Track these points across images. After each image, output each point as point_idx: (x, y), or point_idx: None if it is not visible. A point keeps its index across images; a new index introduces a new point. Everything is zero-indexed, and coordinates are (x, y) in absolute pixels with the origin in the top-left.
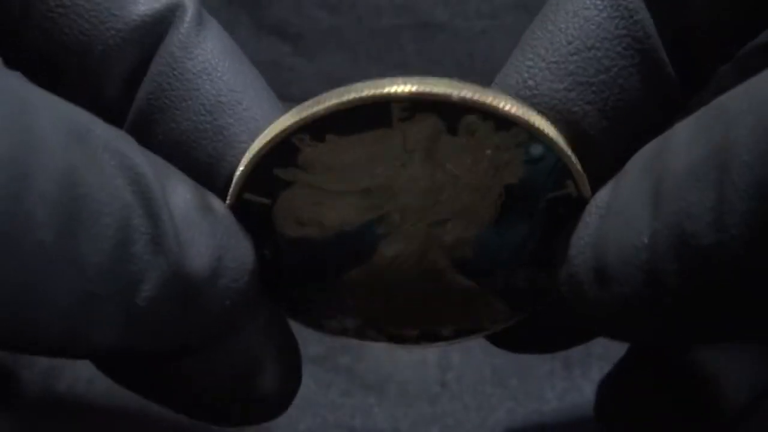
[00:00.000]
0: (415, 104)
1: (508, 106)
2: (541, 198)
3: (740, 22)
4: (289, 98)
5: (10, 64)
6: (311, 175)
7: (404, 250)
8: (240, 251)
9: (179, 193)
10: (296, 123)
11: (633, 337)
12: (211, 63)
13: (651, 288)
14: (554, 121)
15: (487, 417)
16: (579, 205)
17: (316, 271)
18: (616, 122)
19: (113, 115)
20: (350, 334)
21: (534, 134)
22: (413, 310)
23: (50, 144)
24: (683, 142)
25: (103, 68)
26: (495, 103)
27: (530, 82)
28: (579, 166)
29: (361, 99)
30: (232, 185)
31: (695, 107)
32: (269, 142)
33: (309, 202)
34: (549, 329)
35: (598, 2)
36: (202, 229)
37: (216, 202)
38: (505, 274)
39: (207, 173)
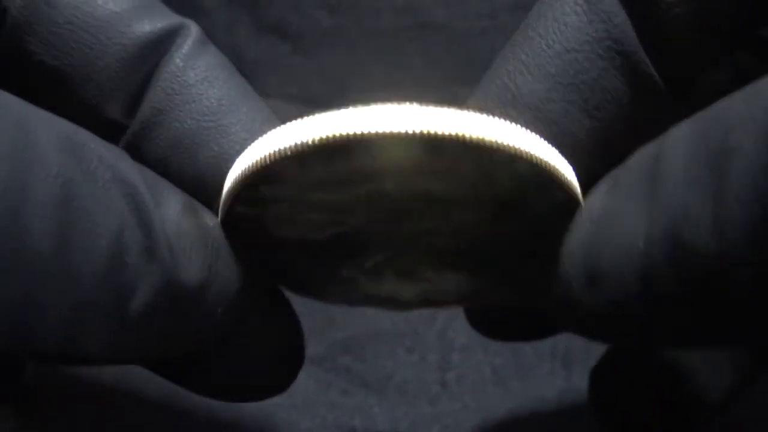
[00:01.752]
0: (395, 140)
1: (488, 134)
2: (532, 208)
3: (722, 29)
4: (288, 98)
5: (11, 79)
6: (296, 189)
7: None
8: (230, 261)
9: (171, 205)
10: (276, 153)
11: (620, 341)
12: (213, 72)
13: (644, 294)
14: (536, 121)
15: (487, 417)
16: (571, 208)
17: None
18: (600, 122)
19: (114, 129)
20: (368, 271)
21: (515, 154)
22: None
23: (46, 158)
24: (681, 146)
25: (106, 82)
26: (473, 133)
27: (511, 85)
28: (568, 174)
29: (338, 135)
30: (222, 201)
31: (688, 112)
32: (252, 167)
33: (299, 210)
34: (527, 316)
35: (578, 8)
36: (193, 240)
37: (207, 214)
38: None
39: (213, 169)
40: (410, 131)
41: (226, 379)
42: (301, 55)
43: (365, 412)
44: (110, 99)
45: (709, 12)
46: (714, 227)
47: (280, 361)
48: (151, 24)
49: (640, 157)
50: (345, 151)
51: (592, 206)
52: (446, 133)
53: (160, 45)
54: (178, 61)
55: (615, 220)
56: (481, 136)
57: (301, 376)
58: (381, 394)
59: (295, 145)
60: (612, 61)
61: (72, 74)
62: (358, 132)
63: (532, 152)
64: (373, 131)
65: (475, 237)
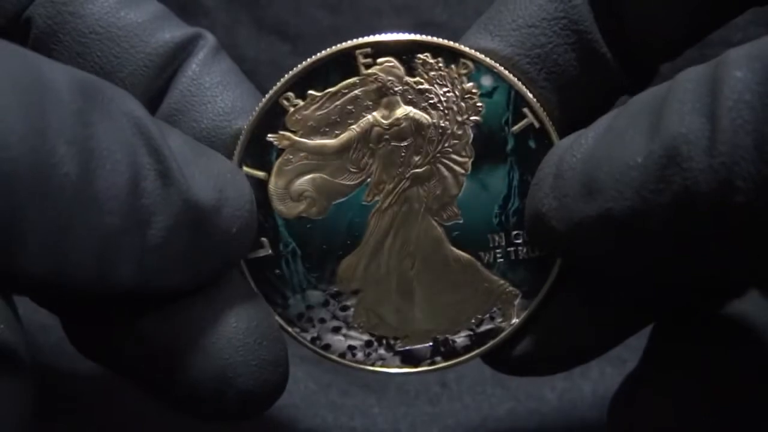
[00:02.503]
0: (375, 50)
1: (451, 42)
2: (507, 133)
3: (678, 20)
4: None
5: None
6: (298, 138)
7: (395, 221)
8: (238, 183)
9: (175, 138)
10: (281, 84)
11: (607, 263)
12: (227, 77)
13: (635, 207)
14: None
15: (487, 417)
16: (545, 138)
17: (314, 262)
18: (554, 91)
19: None
20: (358, 357)
21: (478, 62)
22: (420, 309)
23: (61, 92)
24: (691, 79)
25: (130, 88)
26: (439, 40)
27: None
28: (531, 96)
29: (331, 53)
30: (232, 160)
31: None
32: (261, 108)
33: (300, 172)
34: (549, 351)
35: None
36: (200, 165)
37: (210, 149)
38: (501, 240)
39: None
40: (393, 38)
41: (205, 387)
42: (301, 56)
43: (365, 412)
44: None
45: (660, 4)
46: (708, 147)
47: (264, 366)
48: (171, 33)
49: (650, 90)
50: (338, 71)
51: (597, 125)
52: (422, 38)
53: (180, 53)
54: (195, 66)
55: (618, 136)
56: (449, 42)
57: (301, 376)
58: (381, 394)
59: (296, 71)
60: (566, 37)
61: None
62: (344, 45)
63: (493, 62)
64: (361, 41)
65: (461, 183)
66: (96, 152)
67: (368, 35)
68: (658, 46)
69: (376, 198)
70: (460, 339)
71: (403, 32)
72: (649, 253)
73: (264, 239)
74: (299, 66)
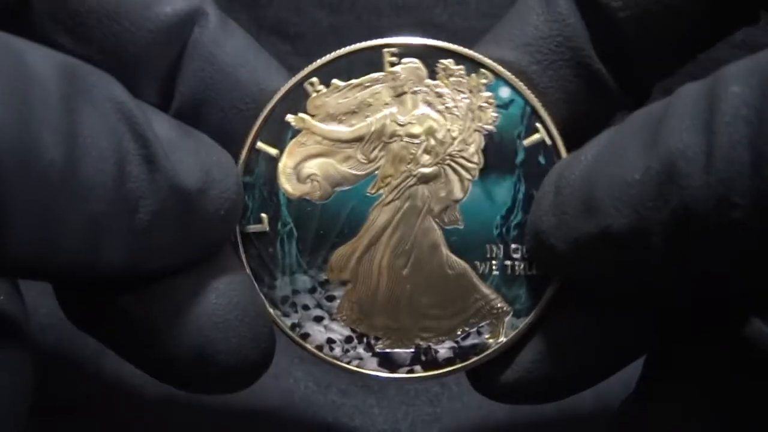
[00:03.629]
0: (402, 51)
1: (474, 52)
2: (518, 146)
3: (671, 39)
4: None
5: None
6: (317, 122)
7: (395, 216)
8: (224, 164)
9: (160, 121)
10: (309, 69)
11: (606, 280)
12: (244, 55)
13: (634, 223)
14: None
15: (487, 417)
16: (555, 154)
17: (308, 246)
18: (551, 107)
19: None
20: (336, 352)
21: (498, 74)
22: (407, 311)
23: (45, 78)
24: (690, 96)
25: (138, 68)
26: (464, 49)
27: None
28: (546, 112)
29: (360, 47)
30: (248, 135)
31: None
32: (286, 88)
33: (312, 154)
34: (538, 378)
35: (539, 10)
36: (186, 148)
37: (196, 131)
38: (499, 252)
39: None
40: (421, 41)
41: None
42: (301, 56)
43: (365, 412)
44: (145, 84)
45: (654, 20)
46: (705, 163)
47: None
48: (171, 5)
49: (648, 107)
50: (364, 65)
51: (595, 142)
52: (448, 45)
53: (184, 27)
54: (207, 43)
55: (616, 153)
56: (473, 52)
57: (301, 376)
58: (381, 394)
59: (325, 59)
60: (561, 54)
61: (105, 64)
62: (375, 42)
63: (512, 76)
64: (391, 41)
65: (467, 189)
66: (80, 139)
67: (371, 35)
68: (655, 63)
69: (381, 191)
70: (443, 350)
71: (427, 37)
72: (648, 271)
73: (264, 215)
74: (329, 55)
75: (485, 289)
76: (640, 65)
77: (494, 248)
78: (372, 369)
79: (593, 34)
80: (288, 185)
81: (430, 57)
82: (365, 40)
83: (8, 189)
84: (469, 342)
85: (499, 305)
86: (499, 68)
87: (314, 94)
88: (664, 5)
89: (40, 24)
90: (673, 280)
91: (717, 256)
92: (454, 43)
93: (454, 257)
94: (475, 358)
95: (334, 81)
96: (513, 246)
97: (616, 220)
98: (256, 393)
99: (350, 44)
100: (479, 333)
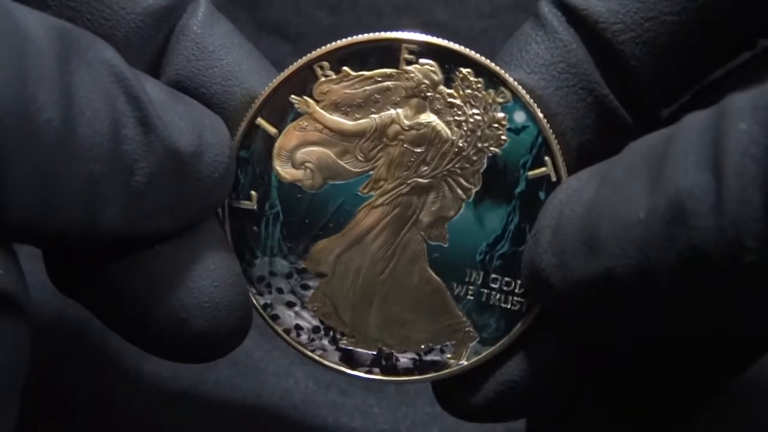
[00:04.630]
0: (422, 50)
1: (498, 67)
2: (521, 175)
3: (674, 62)
4: None
5: None
6: (320, 109)
7: (381, 221)
8: (217, 129)
9: (152, 85)
10: (322, 51)
11: (609, 319)
12: (229, 38)
13: (639, 264)
14: None
15: None
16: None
17: (292, 233)
18: (562, 138)
19: None
20: (302, 339)
21: (517, 95)
22: (376, 315)
23: (38, 38)
24: (695, 129)
25: (126, 51)
26: (487, 61)
27: None
28: (558, 147)
29: (378, 37)
30: (250, 109)
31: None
32: (294, 67)
33: (310, 141)
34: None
35: (539, 38)
36: (178, 111)
37: (186, 96)
38: (478, 279)
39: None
40: (443, 43)
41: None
42: (301, 56)
43: (365, 412)
44: (133, 66)
45: (656, 43)
46: (715, 203)
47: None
48: None
49: (647, 138)
50: (379, 57)
51: (595, 175)
52: (472, 53)
53: (174, 10)
54: (195, 28)
55: (618, 189)
56: (496, 67)
57: (301, 376)
58: (381, 395)
59: (339, 44)
60: (565, 80)
61: None
62: (393, 35)
63: (532, 101)
64: (412, 37)
65: (459, 208)
66: (76, 99)
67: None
68: (661, 88)
69: (372, 192)
70: (404, 359)
71: (453, 41)
72: (653, 312)
73: (254, 193)
74: (343, 40)
75: (457, 311)
76: (645, 89)
77: (474, 274)
78: (333, 362)
79: (597, 60)
80: (281, 168)
81: (449, 62)
82: None
83: (7, 149)
84: (430, 357)
85: (467, 329)
86: (520, 89)
87: (322, 79)
88: (665, 29)
89: (28, 4)
90: (680, 321)
91: (728, 298)
92: (457, 45)
93: (432, 273)
94: (433, 374)
95: (345, 69)
96: (493, 276)
97: (620, 261)
98: (256, 393)
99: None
100: (442, 351)
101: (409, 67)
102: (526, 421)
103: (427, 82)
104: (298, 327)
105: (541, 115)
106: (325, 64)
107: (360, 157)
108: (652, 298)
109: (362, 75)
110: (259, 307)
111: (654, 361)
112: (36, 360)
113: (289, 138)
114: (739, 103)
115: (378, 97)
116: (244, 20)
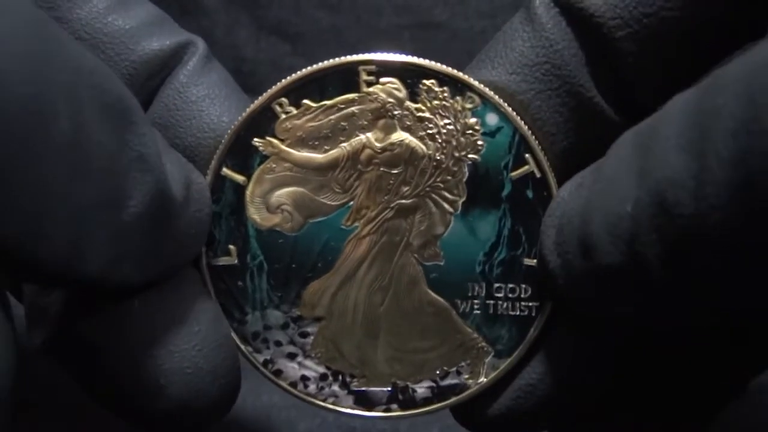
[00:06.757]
0: (380, 69)
1: (460, 73)
2: (505, 178)
3: (670, 60)
4: None
5: None
6: (286, 147)
7: (371, 251)
8: (200, 185)
9: (150, 128)
10: (278, 88)
11: (619, 313)
12: (215, 90)
13: (632, 258)
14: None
15: None
16: (545, 189)
17: (280, 281)
18: (543, 138)
19: None
20: (310, 390)
21: (486, 98)
22: (384, 349)
23: (68, 45)
24: (677, 112)
25: None
26: (449, 69)
27: None
28: (536, 142)
29: (333, 64)
30: (213, 160)
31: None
32: (252, 109)
33: (282, 182)
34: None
35: (525, 36)
36: (171, 158)
37: (174, 149)
38: (481, 291)
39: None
40: (401, 59)
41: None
42: (301, 56)
43: None
44: None
45: (655, 38)
46: (695, 188)
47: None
48: (159, 41)
49: (638, 127)
50: (338, 84)
51: (589, 173)
52: (431, 64)
53: (168, 61)
54: (182, 77)
55: (609, 183)
56: (459, 73)
57: None
58: None
59: (294, 77)
60: (549, 83)
61: None
62: (349, 59)
63: (500, 100)
64: (368, 57)
65: (449, 222)
66: (87, 115)
67: (370, 46)
68: (656, 85)
69: (356, 224)
70: (421, 389)
71: (409, 54)
72: (653, 312)
73: (232, 247)
74: (298, 73)
75: (466, 328)
76: (640, 87)
77: (476, 287)
78: (348, 407)
79: (588, 57)
80: (256, 215)
81: (410, 77)
82: (365, 40)
83: (20, 147)
84: (447, 382)
85: (480, 345)
86: (487, 92)
87: (283, 116)
88: (665, 25)
89: None
90: (681, 309)
91: (719, 282)
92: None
93: (433, 295)
94: (454, 399)
95: (305, 102)
96: (496, 285)
97: (613, 258)
98: (256, 393)
99: (345, 47)
100: (458, 373)
101: (371, 89)
102: None
103: (391, 100)
104: (304, 378)
105: (513, 113)
106: (284, 100)
107: (337, 189)
108: (649, 292)
109: (324, 105)
110: (259, 365)
111: (674, 361)
112: (36, 360)
113: (259, 183)
114: (721, 75)
115: (344, 124)
116: (244, 20)
